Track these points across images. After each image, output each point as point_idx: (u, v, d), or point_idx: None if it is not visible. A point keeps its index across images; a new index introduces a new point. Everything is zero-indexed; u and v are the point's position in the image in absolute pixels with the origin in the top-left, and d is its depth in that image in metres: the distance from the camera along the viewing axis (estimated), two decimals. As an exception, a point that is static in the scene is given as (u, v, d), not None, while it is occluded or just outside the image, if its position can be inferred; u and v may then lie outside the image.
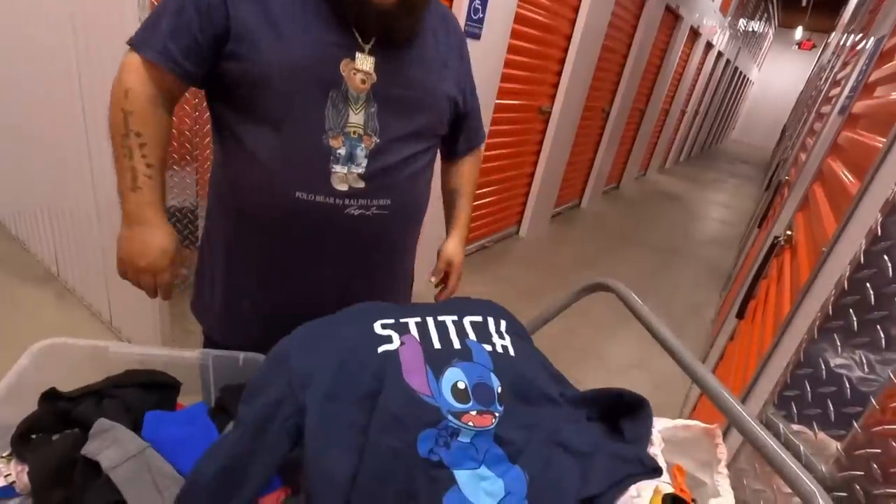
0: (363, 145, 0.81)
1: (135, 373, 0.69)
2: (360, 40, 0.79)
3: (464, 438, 0.56)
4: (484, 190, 3.24)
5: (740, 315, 1.49)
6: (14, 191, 2.31)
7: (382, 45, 0.81)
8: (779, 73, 16.96)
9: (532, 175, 3.80)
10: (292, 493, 0.53)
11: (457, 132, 1.04)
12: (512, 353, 0.74)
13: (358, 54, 0.79)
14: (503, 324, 0.75)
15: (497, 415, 0.62)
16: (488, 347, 0.70)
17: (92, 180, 1.66)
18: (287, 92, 0.77)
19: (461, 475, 0.54)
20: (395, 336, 0.63)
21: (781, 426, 0.63)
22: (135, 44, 0.77)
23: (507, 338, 0.74)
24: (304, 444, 0.53)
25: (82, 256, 1.94)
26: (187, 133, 1.36)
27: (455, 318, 0.71)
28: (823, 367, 0.59)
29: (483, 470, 0.57)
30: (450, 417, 0.57)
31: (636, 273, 3.79)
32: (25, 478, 0.60)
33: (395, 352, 0.61)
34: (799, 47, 14.89)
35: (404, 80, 0.84)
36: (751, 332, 1.32)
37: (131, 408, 0.65)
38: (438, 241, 1.17)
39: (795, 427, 0.63)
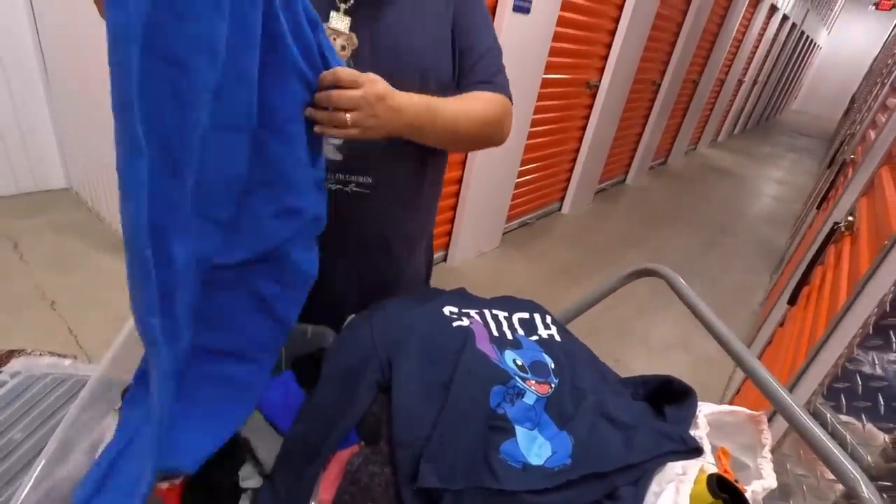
0: None
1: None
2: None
3: (528, 400, 0.64)
4: (527, 167, 3.22)
5: (792, 301, 1.46)
6: (85, 161, 2.49)
7: (361, 2, 0.71)
8: (851, 37, 15.60)
9: (577, 151, 3.73)
10: (366, 447, 0.61)
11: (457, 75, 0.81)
12: (558, 338, 0.80)
13: (333, 13, 0.70)
14: (548, 318, 0.82)
15: (553, 385, 0.68)
16: (535, 338, 0.77)
17: None
18: None
19: (520, 431, 0.61)
20: (464, 318, 0.71)
21: (829, 416, 0.65)
22: None
23: (553, 328, 0.80)
24: (386, 398, 0.60)
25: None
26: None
27: (506, 314, 0.79)
28: (876, 362, 0.60)
29: (536, 433, 0.64)
30: (517, 378, 0.64)
31: (682, 252, 3.70)
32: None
33: (468, 327, 0.69)
34: (876, 7, 13.58)
35: (389, 42, 0.73)
36: (803, 319, 1.30)
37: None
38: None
39: (843, 418, 0.64)
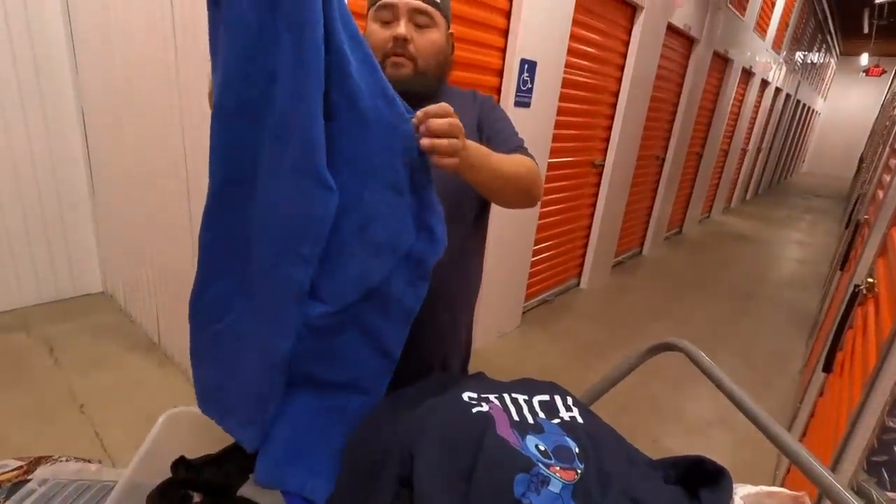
0: None
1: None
2: None
3: (553, 488, 0.61)
4: (541, 245, 3.29)
5: (827, 369, 1.41)
6: (120, 266, 2.64)
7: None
8: (847, 102, 16.15)
9: (589, 227, 3.81)
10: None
11: None
12: (581, 420, 0.78)
13: None
14: (569, 399, 0.81)
15: (579, 471, 0.66)
16: (556, 421, 0.76)
17: (192, 245, 1.89)
18: None
19: None
20: (483, 403, 0.71)
21: (874, 493, 0.62)
22: None
23: (575, 409, 0.79)
24: (408, 493, 0.59)
25: (180, 326, 2.16)
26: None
27: (525, 397, 0.79)
28: (910, 431, 0.58)
29: None
30: (540, 465, 0.63)
31: (710, 322, 3.61)
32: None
33: (488, 412, 0.69)
34: (866, 74, 14.17)
35: None
36: (840, 388, 1.25)
37: (247, 469, 0.75)
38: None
39: (890, 495, 0.61)
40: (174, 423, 0.89)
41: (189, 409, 0.92)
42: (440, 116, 0.69)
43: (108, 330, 2.52)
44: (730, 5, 4.81)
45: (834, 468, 0.81)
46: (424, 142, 0.69)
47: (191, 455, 0.83)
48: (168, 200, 2.00)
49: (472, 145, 0.79)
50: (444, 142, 0.69)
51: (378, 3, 0.91)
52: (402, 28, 0.88)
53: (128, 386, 2.12)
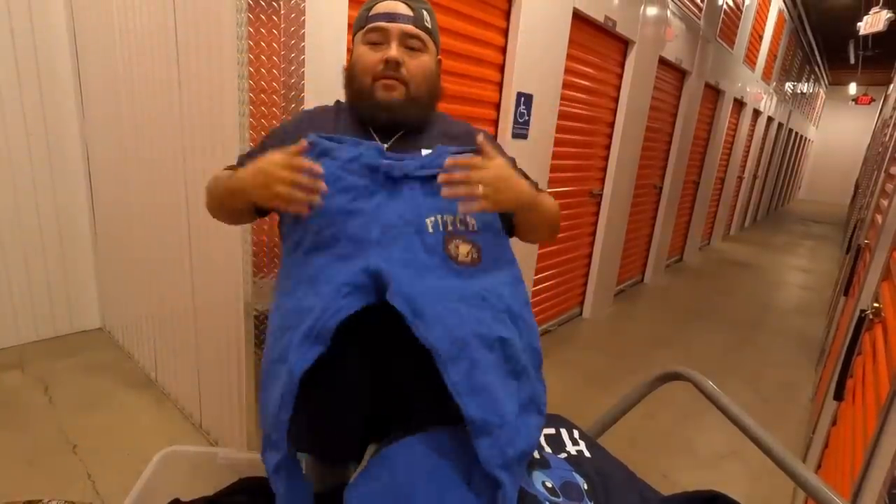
0: None
1: (247, 480, 0.76)
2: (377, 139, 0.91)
3: None
4: (542, 274, 3.28)
5: (838, 396, 1.37)
6: (121, 302, 2.62)
7: (397, 143, 0.91)
8: (838, 129, 16.44)
9: (590, 255, 3.81)
10: None
11: None
12: (588, 454, 0.76)
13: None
14: (576, 432, 0.79)
15: None
16: (563, 455, 0.74)
17: (192, 283, 1.88)
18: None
19: None
20: None
21: (899, 529, 0.59)
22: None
23: (582, 443, 0.77)
24: None
25: (178, 363, 2.13)
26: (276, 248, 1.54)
27: None
28: (931, 461, 0.56)
29: None
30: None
31: (714, 350, 3.56)
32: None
33: None
34: (856, 102, 14.48)
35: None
36: (853, 415, 1.21)
37: (242, 513, 0.72)
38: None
39: (916, 530, 0.58)
40: (168, 463, 0.87)
41: (184, 448, 0.90)
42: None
43: (105, 367, 2.48)
44: (719, 39, 4.96)
45: (853, 502, 0.78)
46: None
47: (185, 496, 0.80)
48: (168, 236, 2.01)
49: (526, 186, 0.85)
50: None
51: (368, 27, 0.90)
52: (394, 50, 0.87)
53: (123, 425, 2.07)
